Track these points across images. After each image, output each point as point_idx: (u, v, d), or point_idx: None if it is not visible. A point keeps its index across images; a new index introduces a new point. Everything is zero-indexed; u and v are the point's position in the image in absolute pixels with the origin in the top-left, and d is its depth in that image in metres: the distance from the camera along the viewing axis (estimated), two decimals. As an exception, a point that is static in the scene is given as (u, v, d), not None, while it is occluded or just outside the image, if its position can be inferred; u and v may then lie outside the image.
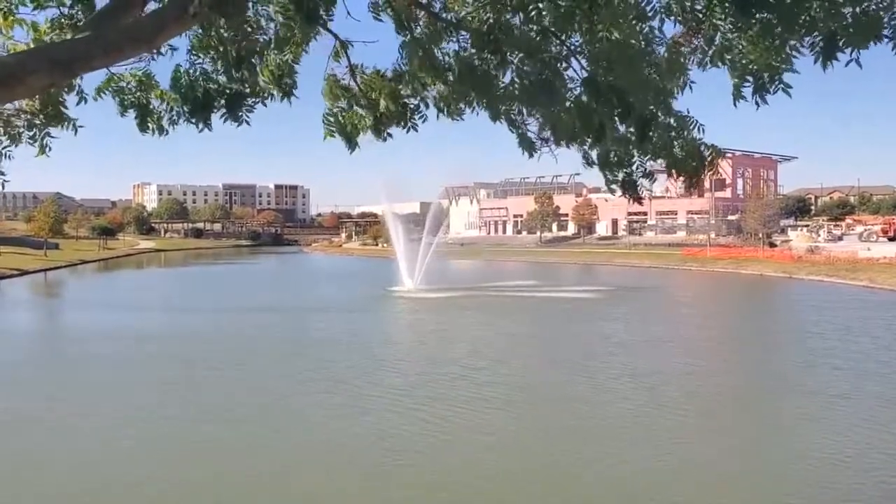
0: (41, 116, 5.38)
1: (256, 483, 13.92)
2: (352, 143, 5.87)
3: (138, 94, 5.51)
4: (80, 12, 5.11)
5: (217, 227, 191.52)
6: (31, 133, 5.48)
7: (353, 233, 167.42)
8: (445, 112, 5.73)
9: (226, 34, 5.41)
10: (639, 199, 5.96)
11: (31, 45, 5.04)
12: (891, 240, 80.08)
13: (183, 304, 46.13)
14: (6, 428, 17.77)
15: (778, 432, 17.48)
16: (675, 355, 27.21)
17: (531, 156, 5.80)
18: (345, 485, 13.94)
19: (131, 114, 5.54)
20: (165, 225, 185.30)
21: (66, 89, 5.43)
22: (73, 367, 25.22)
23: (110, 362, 25.56)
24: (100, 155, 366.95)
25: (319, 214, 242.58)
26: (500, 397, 20.46)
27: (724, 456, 15.53)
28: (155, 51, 5.33)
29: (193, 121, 5.49)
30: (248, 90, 5.57)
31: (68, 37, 5.04)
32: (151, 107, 5.57)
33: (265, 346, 29.03)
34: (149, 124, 5.57)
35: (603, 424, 17.80)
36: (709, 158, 5.51)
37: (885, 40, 4.04)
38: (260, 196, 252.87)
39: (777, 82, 4.49)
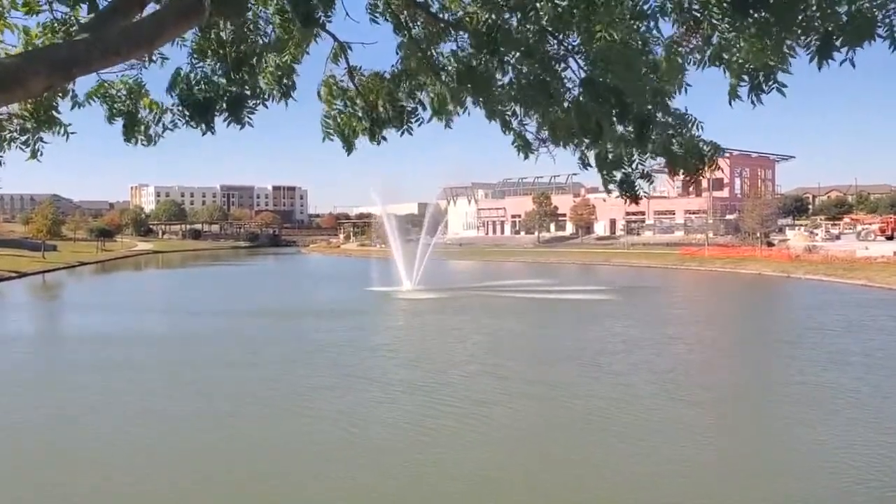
0: (33, 121, 5.34)
1: (304, 475, 14.34)
2: (349, 146, 5.88)
3: (127, 101, 5.49)
4: (72, 17, 5.07)
5: (215, 228, 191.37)
6: (23, 138, 5.45)
7: (352, 234, 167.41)
8: (441, 116, 5.71)
9: (225, 37, 5.39)
10: (636, 200, 5.94)
11: (22, 50, 5.00)
12: (888, 239, 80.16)
13: (185, 306, 46.04)
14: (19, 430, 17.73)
15: (796, 427, 17.55)
16: (687, 353, 27.56)
17: (526, 157, 5.78)
18: (391, 477, 14.25)
19: (119, 122, 5.52)
20: (163, 226, 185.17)
21: (60, 94, 5.41)
22: (92, 371, 25.12)
23: (121, 365, 25.39)
24: (97, 157, 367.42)
25: (317, 215, 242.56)
26: (525, 393, 20.83)
27: (747, 449, 15.82)
28: (147, 57, 5.30)
29: (194, 124, 5.47)
30: (248, 92, 5.56)
31: (61, 41, 5.01)
32: (139, 115, 5.56)
33: (281, 348, 28.87)
34: (135, 133, 5.55)
35: (629, 419, 18.01)
36: (708, 155, 5.49)
37: (880, 39, 4.04)
38: (258, 197, 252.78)
39: (772, 81, 4.49)
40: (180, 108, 5.43)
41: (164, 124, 5.55)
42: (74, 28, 4.97)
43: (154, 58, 5.42)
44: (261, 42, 5.52)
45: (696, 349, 28.64)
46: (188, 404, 19.91)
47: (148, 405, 19.68)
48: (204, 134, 5.53)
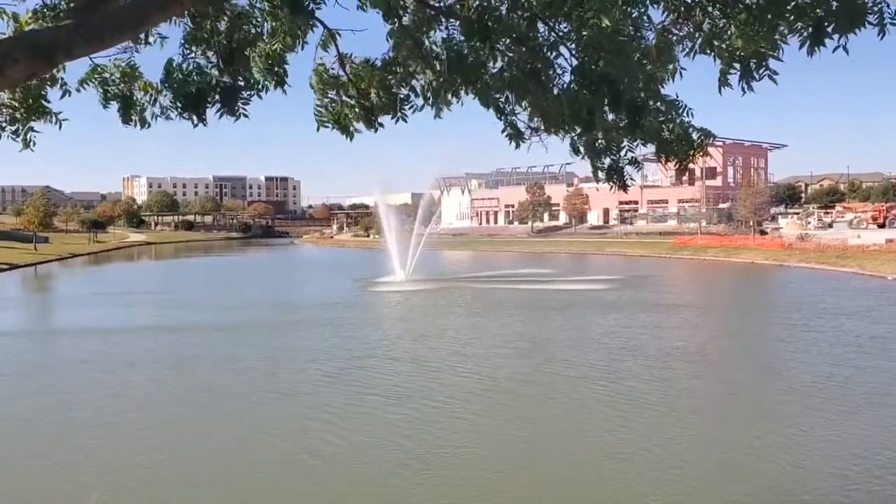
0: (22, 110, 5.29)
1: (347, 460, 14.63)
2: (348, 133, 5.81)
3: (122, 85, 5.43)
4: (62, 2, 5.02)
5: (208, 219, 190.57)
6: (13, 128, 5.39)
7: (345, 224, 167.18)
8: (432, 103, 5.68)
9: (218, 27, 5.35)
10: (624, 187, 5.93)
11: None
12: (880, 227, 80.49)
13: (180, 299, 45.78)
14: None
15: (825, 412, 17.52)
16: (713, 337, 28.14)
17: (518, 146, 5.77)
18: (449, 458, 14.61)
19: (114, 105, 5.46)
20: (156, 218, 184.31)
21: (49, 83, 5.35)
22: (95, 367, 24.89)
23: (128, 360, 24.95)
24: (89, 148, 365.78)
25: (310, 206, 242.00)
26: (561, 374, 21.32)
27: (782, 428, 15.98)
28: (141, 40, 5.25)
29: (187, 116, 5.42)
30: (241, 83, 5.51)
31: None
32: (135, 98, 5.51)
33: (299, 339, 28.68)
34: (131, 116, 5.50)
35: (677, 400, 18.39)
36: (698, 142, 5.49)
37: (870, 26, 4.05)
38: (250, 188, 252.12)
39: (763, 68, 4.48)
40: (173, 99, 5.39)
41: (160, 105, 5.50)
42: (64, 11, 4.91)
43: (151, 39, 5.36)
44: (254, 32, 5.47)
45: (718, 334, 29.13)
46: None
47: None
48: (196, 126, 5.49)
